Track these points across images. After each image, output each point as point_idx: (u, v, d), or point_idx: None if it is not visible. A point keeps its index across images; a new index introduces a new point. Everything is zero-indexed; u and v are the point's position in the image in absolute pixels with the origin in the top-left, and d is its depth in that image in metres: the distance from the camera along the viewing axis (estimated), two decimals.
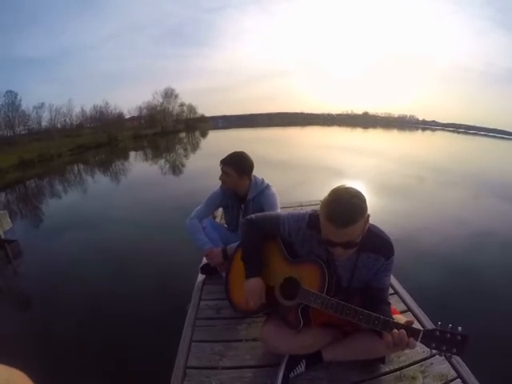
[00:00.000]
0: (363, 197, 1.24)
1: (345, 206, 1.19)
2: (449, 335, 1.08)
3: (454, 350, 1.07)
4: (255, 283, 1.56)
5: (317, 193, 5.67)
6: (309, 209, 1.56)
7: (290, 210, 1.62)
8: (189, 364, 1.70)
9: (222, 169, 2.32)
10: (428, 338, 1.13)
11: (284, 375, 1.55)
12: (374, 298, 1.43)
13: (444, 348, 1.09)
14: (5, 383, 0.46)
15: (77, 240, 5.44)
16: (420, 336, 1.15)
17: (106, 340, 2.78)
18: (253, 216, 1.65)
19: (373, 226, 1.42)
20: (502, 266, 4.24)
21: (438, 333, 1.11)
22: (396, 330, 1.18)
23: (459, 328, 1.08)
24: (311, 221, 1.44)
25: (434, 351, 1.12)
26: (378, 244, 1.41)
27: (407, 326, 1.18)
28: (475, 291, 3.56)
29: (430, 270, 3.88)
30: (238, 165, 2.32)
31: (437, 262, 4.20)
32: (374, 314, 1.24)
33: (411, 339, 1.15)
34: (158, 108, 50.35)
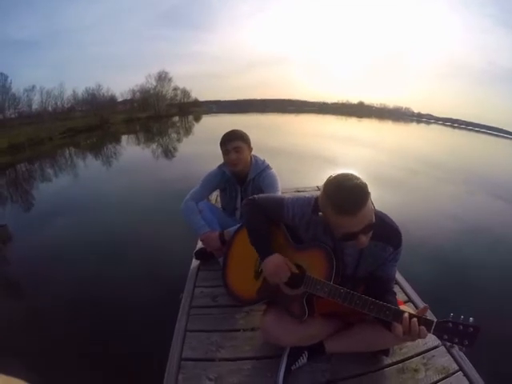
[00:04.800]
0: (355, 175, 1.17)
1: (349, 190, 1.12)
2: (461, 327, 1.05)
3: (466, 342, 1.05)
4: (275, 258, 1.41)
5: (309, 181, 5.69)
6: (305, 194, 1.46)
7: (289, 195, 1.52)
8: (184, 355, 1.61)
9: (230, 147, 2.14)
10: (441, 330, 1.09)
11: (286, 368, 1.48)
12: (380, 288, 1.37)
13: (456, 340, 1.06)
14: None
15: (67, 225, 5.28)
16: (433, 327, 1.10)
17: (97, 330, 2.64)
18: (256, 197, 1.53)
19: (381, 212, 1.34)
20: (499, 260, 4.25)
21: (450, 324, 1.07)
22: (407, 319, 1.12)
23: (471, 319, 1.05)
24: (317, 205, 1.33)
25: (447, 343, 1.10)
26: (386, 232, 1.33)
27: (420, 317, 1.13)
28: (472, 284, 3.53)
29: (425, 262, 3.82)
30: (246, 138, 2.21)
31: (431, 254, 4.17)
32: (385, 304, 1.18)
33: (422, 327, 1.10)
34: (152, 91, 49.46)
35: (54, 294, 3.24)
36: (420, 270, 3.38)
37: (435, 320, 1.11)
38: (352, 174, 1.17)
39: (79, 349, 2.40)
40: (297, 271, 1.39)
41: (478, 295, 3.29)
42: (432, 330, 1.10)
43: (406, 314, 1.13)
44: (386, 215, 1.37)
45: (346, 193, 1.11)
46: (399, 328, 1.13)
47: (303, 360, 1.52)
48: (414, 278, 2.34)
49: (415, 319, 1.12)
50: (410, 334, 1.12)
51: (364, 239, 1.19)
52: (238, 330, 1.79)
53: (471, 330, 1.03)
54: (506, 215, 6.82)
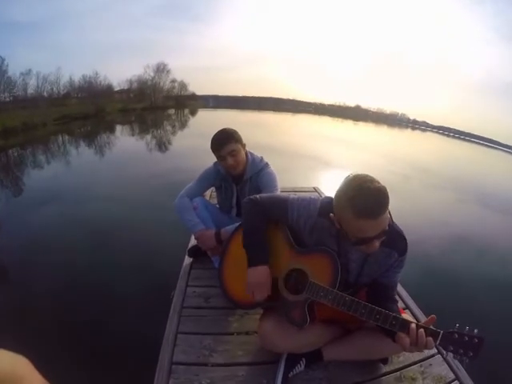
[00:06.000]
0: (374, 177, 1.12)
1: (373, 193, 1.06)
2: (466, 338, 1.03)
3: (470, 353, 1.02)
4: (261, 272, 1.36)
5: (302, 181, 5.79)
6: (302, 195, 1.42)
7: (292, 195, 1.46)
8: (175, 359, 1.54)
9: (225, 153, 2.02)
10: (447, 341, 1.05)
11: (283, 375, 1.43)
12: (381, 295, 1.33)
13: (461, 351, 1.03)
14: (10, 371, 0.48)
15: (57, 214, 5.14)
16: (439, 338, 1.06)
17: (82, 328, 2.53)
18: (257, 196, 1.45)
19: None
20: (490, 266, 4.33)
21: (456, 335, 1.04)
22: (414, 330, 1.08)
23: (475, 330, 1.03)
24: (323, 208, 1.28)
25: (451, 354, 1.05)
26: (392, 238, 1.27)
27: (427, 327, 1.08)
28: (464, 291, 3.55)
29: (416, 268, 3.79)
30: (238, 137, 2.09)
31: (421, 260, 4.10)
32: (392, 314, 1.13)
33: (429, 339, 1.06)
34: (149, 82, 49.02)
35: (41, 283, 3.14)
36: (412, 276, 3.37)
37: (441, 331, 1.07)
38: (371, 176, 1.11)
39: (61, 349, 2.26)
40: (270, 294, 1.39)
41: (471, 302, 3.30)
42: (438, 341, 1.06)
43: (413, 325, 1.09)
44: (392, 221, 1.31)
45: (369, 195, 1.05)
46: (406, 339, 1.09)
47: (300, 367, 1.47)
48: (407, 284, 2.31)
49: (422, 330, 1.08)
50: (417, 346, 1.08)
51: (377, 244, 1.15)
52: (232, 334, 1.73)
53: (476, 341, 1.01)
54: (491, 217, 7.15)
